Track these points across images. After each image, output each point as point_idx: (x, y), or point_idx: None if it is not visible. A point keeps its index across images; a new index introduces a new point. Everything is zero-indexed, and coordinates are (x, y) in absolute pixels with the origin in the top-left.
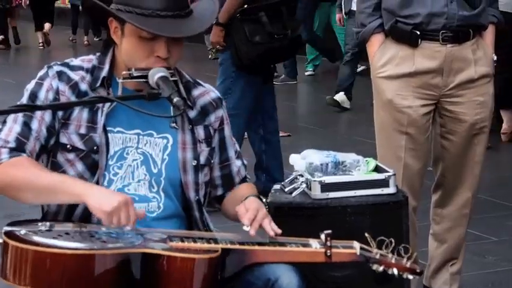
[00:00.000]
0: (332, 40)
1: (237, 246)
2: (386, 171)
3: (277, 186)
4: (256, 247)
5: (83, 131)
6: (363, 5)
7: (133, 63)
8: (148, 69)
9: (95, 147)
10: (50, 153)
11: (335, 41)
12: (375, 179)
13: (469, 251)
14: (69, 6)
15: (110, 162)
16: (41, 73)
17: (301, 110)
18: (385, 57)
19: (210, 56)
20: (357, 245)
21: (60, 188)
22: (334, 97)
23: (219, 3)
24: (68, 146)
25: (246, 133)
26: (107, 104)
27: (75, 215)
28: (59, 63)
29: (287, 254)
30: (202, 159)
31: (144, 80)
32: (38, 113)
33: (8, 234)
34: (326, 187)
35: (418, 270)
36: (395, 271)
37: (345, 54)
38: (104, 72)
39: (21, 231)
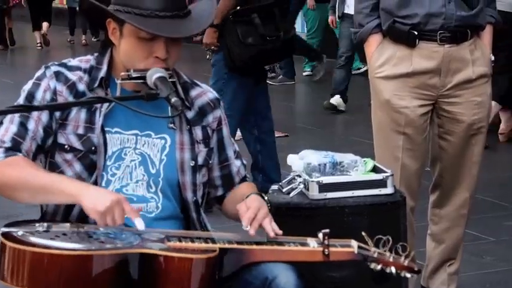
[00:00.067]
0: (331, 41)
1: (235, 246)
2: (384, 172)
3: (275, 187)
4: (254, 246)
5: (80, 131)
6: (361, 5)
7: (132, 64)
8: (147, 70)
9: (93, 148)
10: (47, 154)
11: (334, 42)
12: (372, 180)
13: (467, 251)
14: (66, 6)
15: (108, 163)
16: (38, 73)
17: (298, 110)
18: (383, 57)
19: (208, 57)
20: (354, 243)
21: (56, 188)
22: (331, 101)
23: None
24: (66, 147)
25: (240, 134)
26: (105, 105)
27: (73, 215)
28: (56, 63)
29: (285, 253)
30: (200, 160)
31: (142, 81)
32: (35, 113)
33: (6, 236)
34: (324, 187)
35: (416, 269)
36: (393, 269)
37: (339, 58)
38: (102, 73)
39: (19, 232)
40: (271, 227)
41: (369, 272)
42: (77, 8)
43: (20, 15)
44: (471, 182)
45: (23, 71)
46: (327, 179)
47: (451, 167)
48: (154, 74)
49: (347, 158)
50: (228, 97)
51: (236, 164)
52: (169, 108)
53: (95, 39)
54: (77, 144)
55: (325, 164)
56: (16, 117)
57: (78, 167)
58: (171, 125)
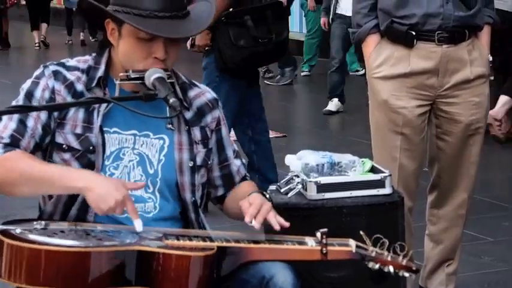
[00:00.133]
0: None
1: (233, 244)
2: (382, 172)
3: (272, 187)
4: (252, 245)
5: (78, 131)
6: (359, 6)
7: (131, 64)
8: (146, 70)
9: (91, 148)
10: (45, 152)
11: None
12: (370, 180)
13: (465, 251)
14: (64, 6)
15: (106, 163)
16: (37, 72)
17: (296, 110)
18: (381, 57)
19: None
20: (352, 242)
21: (62, 179)
22: (329, 108)
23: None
24: (64, 146)
25: (235, 135)
26: (104, 105)
27: (70, 215)
28: (54, 63)
29: (283, 251)
30: (198, 160)
31: (141, 81)
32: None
33: (3, 233)
34: (322, 188)
35: (414, 268)
36: (391, 269)
37: (332, 60)
38: (100, 72)
39: (17, 230)
40: (276, 220)
41: (367, 272)
42: (74, 9)
43: (18, 15)
44: (469, 182)
45: (21, 71)
46: (325, 180)
47: (449, 168)
48: (152, 75)
49: (345, 158)
50: (221, 99)
51: (236, 164)
52: (167, 108)
53: (93, 40)
54: (74, 144)
55: (323, 165)
56: (15, 114)
57: (76, 166)
58: (170, 126)
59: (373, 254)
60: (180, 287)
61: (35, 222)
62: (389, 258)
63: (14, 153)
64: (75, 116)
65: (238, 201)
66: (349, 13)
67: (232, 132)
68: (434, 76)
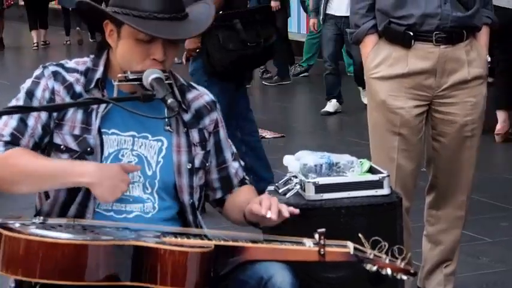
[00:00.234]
0: None
1: (231, 243)
2: (381, 173)
3: (271, 188)
4: (250, 244)
5: (77, 132)
6: (357, 6)
7: (130, 66)
8: (144, 71)
9: (89, 149)
10: (43, 153)
11: None
12: (369, 180)
13: (463, 252)
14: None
15: None
16: (36, 72)
17: (294, 111)
18: (379, 58)
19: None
20: (350, 244)
21: (63, 174)
22: (327, 109)
23: None
24: (62, 147)
25: None
26: (102, 106)
27: (68, 215)
28: (54, 63)
29: (280, 252)
30: (197, 163)
31: (139, 82)
32: None
33: (2, 226)
34: (320, 188)
35: (412, 271)
36: (389, 271)
37: (324, 63)
38: (98, 74)
39: (15, 224)
40: (287, 209)
41: (365, 273)
42: (70, 9)
43: (17, 16)
44: (466, 183)
45: (20, 72)
46: (323, 180)
47: (445, 169)
48: (150, 75)
49: (343, 158)
50: None
51: (234, 166)
52: (165, 110)
53: (91, 40)
54: (72, 145)
55: (321, 165)
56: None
57: None
58: (168, 128)
59: (371, 257)
60: (177, 283)
61: (33, 218)
62: (387, 261)
63: (16, 151)
64: (74, 117)
65: (239, 208)
66: (339, 13)
67: None
68: (432, 76)
